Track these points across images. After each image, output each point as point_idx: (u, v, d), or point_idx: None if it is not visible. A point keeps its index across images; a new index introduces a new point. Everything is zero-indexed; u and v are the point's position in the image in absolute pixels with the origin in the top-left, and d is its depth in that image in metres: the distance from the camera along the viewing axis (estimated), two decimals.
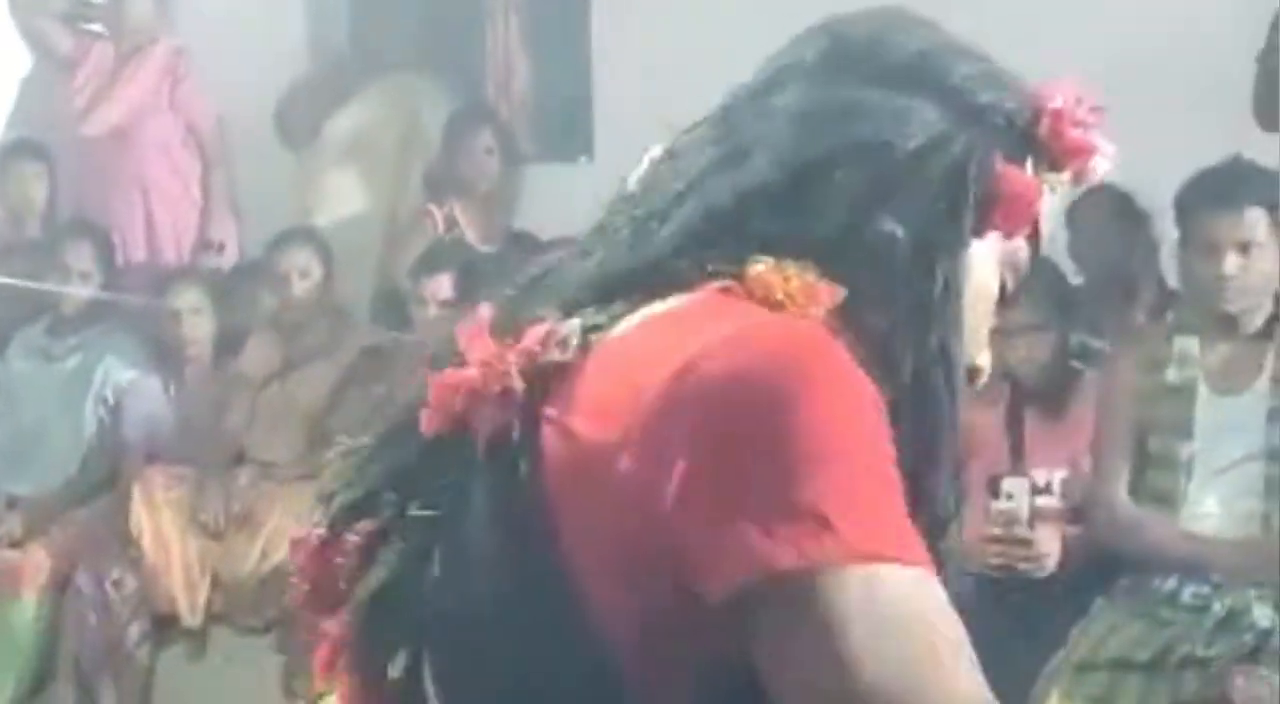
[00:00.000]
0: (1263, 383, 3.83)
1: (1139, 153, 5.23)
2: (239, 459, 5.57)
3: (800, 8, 5.92)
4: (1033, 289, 4.26)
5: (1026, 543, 4.01)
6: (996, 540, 4.03)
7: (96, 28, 6.48)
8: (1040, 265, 4.71)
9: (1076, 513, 4.13)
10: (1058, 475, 4.22)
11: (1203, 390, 3.89)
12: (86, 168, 6.35)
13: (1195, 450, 3.86)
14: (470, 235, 6.01)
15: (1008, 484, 4.10)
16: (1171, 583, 3.81)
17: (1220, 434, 3.84)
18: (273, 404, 5.61)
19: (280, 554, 5.24)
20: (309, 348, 5.63)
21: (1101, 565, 4.02)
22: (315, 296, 5.59)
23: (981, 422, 4.40)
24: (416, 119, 6.31)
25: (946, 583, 1.19)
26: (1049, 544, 4.02)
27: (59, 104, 6.38)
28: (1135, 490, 3.95)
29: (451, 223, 6.04)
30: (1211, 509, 3.85)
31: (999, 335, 4.80)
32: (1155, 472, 3.92)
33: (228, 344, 5.75)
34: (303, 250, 5.63)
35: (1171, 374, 3.92)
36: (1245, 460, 3.82)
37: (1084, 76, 5.07)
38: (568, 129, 6.45)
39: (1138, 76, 5.23)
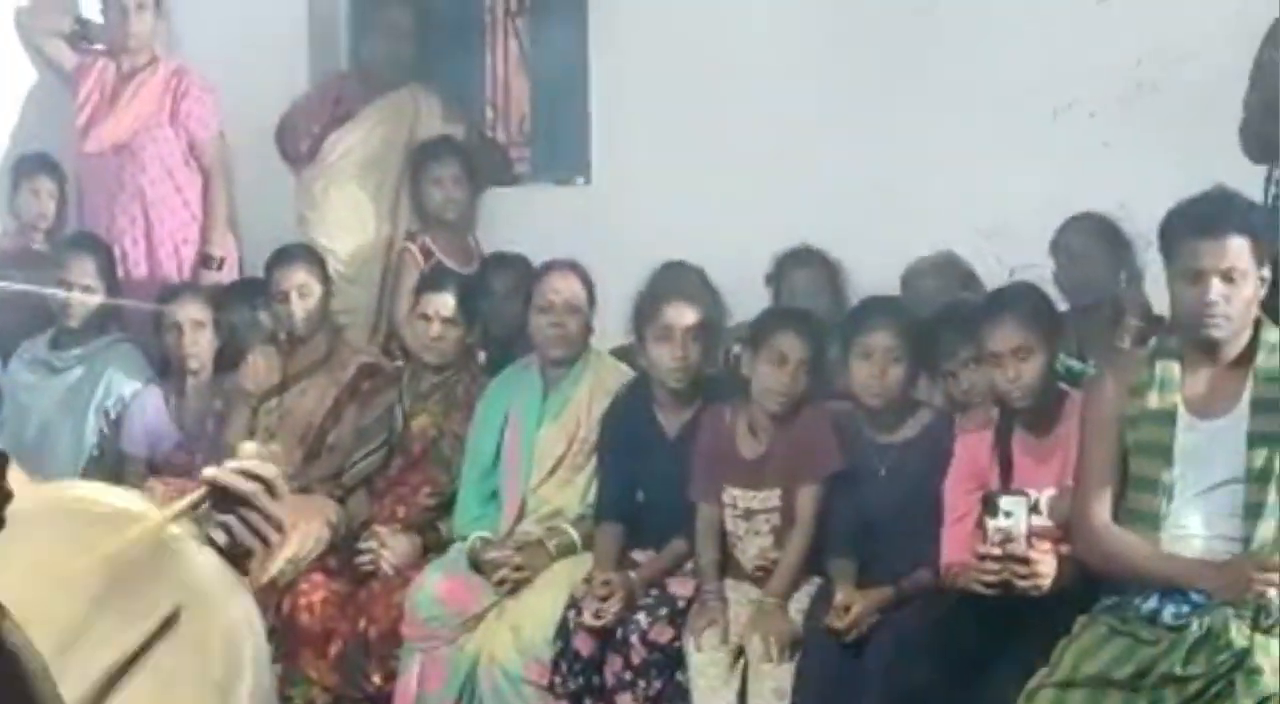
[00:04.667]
0: (1242, 408, 3.91)
1: (1125, 181, 5.37)
2: None
3: (801, 33, 6.07)
4: (1018, 313, 4.35)
5: (1025, 561, 4.07)
6: (993, 558, 4.09)
7: (99, 46, 6.56)
8: (1026, 291, 4.79)
9: (1063, 531, 4.20)
10: (1045, 494, 4.29)
11: (1184, 415, 3.96)
12: (89, 183, 6.43)
13: (1176, 474, 3.93)
14: (449, 263, 6.09)
15: (1005, 502, 4.15)
16: (1152, 603, 3.89)
17: (1201, 458, 3.91)
18: (271, 419, 5.68)
19: (277, 565, 5.31)
20: (307, 364, 5.70)
21: (1084, 585, 4.09)
22: (314, 314, 5.66)
23: (973, 443, 4.49)
24: (415, 139, 6.39)
25: None
26: (1046, 561, 4.08)
27: (64, 120, 6.46)
28: (1118, 512, 4.02)
29: (428, 253, 6.14)
30: (1193, 531, 3.92)
31: (989, 360, 4.89)
32: (1137, 493, 3.98)
33: (228, 359, 5.82)
34: (301, 268, 5.70)
35: (1153, 399, 3.99)
36: (1225, 483, 3.89)
37: (1069, 109, 5.23)
38: (564, 151, 6.52)
39: (1121, 107, 5.34)
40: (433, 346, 5.44)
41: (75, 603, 1.96)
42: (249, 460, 2.14)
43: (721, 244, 5.51)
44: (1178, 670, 3.74)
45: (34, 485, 2.32)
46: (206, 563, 2.03)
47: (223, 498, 2.10)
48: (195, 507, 2.08)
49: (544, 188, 6.56)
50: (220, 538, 2.09)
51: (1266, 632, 3.73)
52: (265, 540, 2.11)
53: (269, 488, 2.12)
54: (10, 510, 2.07)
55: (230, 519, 2.10)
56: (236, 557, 2.08)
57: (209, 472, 2.11)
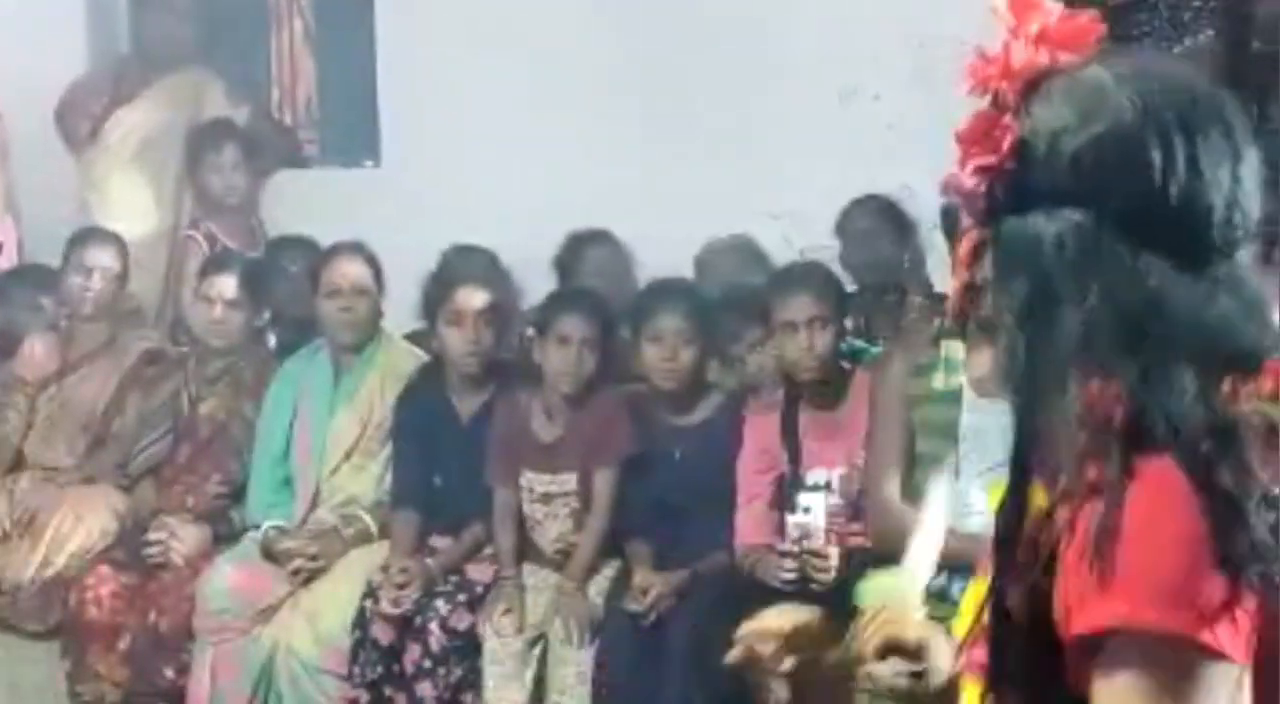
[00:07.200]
0: None
1: (909, 163, 5.45)
2: (19, 464, 5.52)
3: (590, 16, 6.07)
4: (812, 285, 4.41)
5: (822, 555, 4.13)
6: (792, 555, 4.15)
7: None
8: (815, 268, 4.83)
9: (854, 510, 4.27)
10: (835, 473, 4.36)
11: (968, 394, 4.05)
12: None
13: (962, 452, 4.02)
14: (233, 247, 6.01)
15: (804, 498, 4.20)
16: (940, 580, 3.96)
17: (985, 436, 3.99)
18: (51, 407, 5.56)
19: (63, 558, 5.21)
20: (88, 350, 5.59)
21: (875, 564, 4.16)
22: (105, 296, 5.55)
23: (761, 424, 4.55)
24: (198, 121, 6.29)
25: None
26: (832, 553, 4.16)
27: None
28: (906, 490, 4.10)
29: (213, 239, 6.06)
30: (978, 508, 4.01)
31: (783, 330, 4.89)
32: (925, 472, 4.07)
33: (4, 347, 5.68)
34: (109, 248, 5.59)
35: (939, 379, 4.08)
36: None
37: (854, 92, 5.30)
38: (353, 133, 6.47)
39: (904, 90, 5.44)
40: (215, 329, 5.36)
41: None
42: None
43: (513, 227, 5.51)
44: None
45: None
46: None
47: None
48: None
49: (332, 170, 6.51)
50: None
51: None
52: None
53: None
54: None
55: None
56: None
57: None
